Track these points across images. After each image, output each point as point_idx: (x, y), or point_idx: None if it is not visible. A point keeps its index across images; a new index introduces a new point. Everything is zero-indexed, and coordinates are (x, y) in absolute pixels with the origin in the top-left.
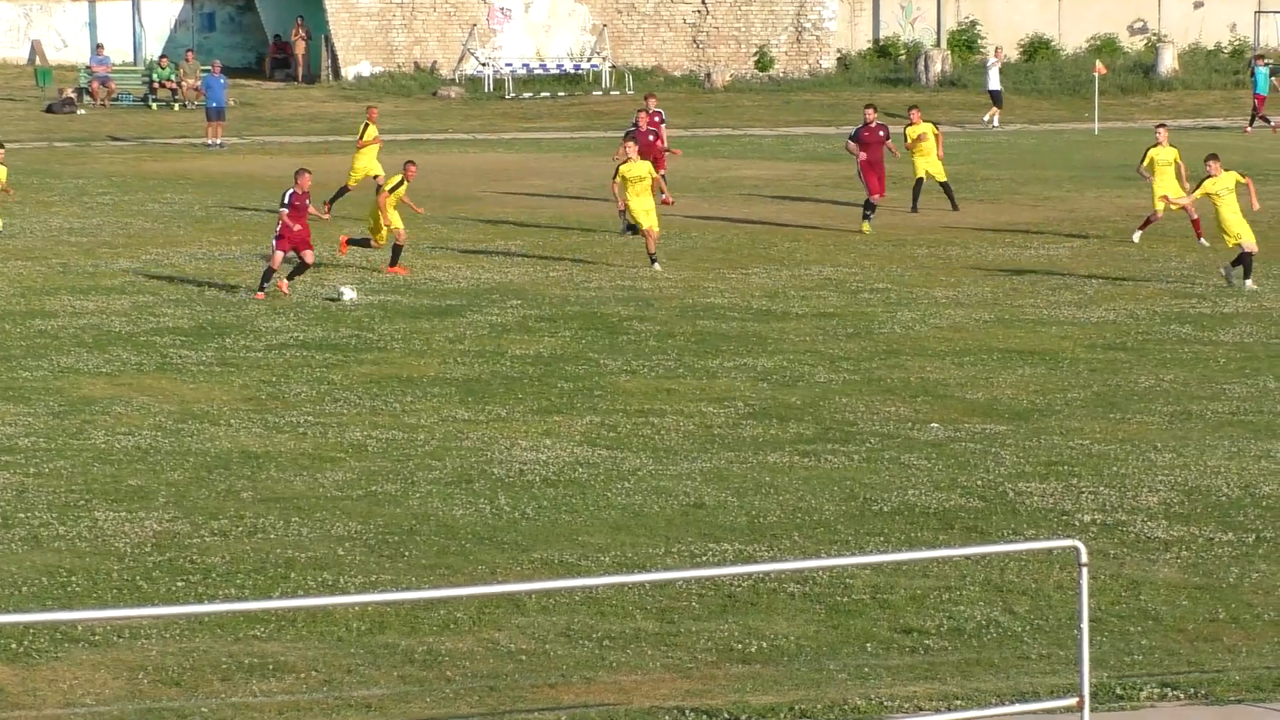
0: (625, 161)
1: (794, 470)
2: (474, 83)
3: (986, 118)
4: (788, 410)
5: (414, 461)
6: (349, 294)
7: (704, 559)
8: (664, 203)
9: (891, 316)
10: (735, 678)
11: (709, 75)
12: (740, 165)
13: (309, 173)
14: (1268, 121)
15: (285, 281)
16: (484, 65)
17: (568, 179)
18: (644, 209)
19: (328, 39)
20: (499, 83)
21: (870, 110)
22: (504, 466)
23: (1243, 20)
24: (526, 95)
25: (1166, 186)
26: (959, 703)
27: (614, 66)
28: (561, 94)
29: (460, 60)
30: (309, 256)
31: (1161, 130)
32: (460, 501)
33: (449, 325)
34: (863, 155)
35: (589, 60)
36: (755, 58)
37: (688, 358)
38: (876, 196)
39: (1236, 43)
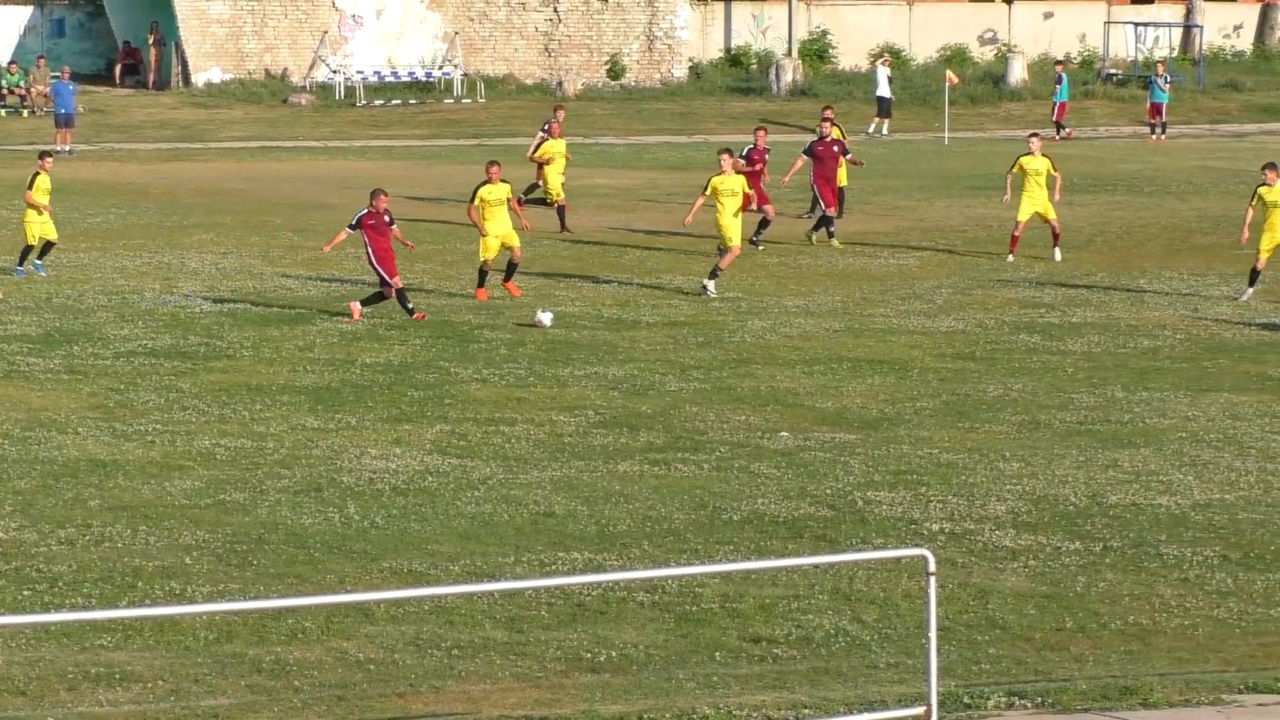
0: (719, 174)
1: (644, 479)
2: (325, 90)
3: (872, 129)
4: (638, 419)
5: (263, 470)
6: (546, 317)
7: (553, 568)
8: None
9: (742, 325)
10: (584, 687)
11: (561, 84)
12: (592, 174)
13: (386, 194)
14: (1060, 128)
15: (357, 305)
16: (335, 73)
17: (419, 186)
18: (734, 226)
19: (178, 45)
20: (350, 90)
21: (826, 123)
22: (353, 475)
23: (1092, 31)
24: (378, 103)
25: (1034, 198)
26: (807, 711)
27: (466, 74)
28: (413, 101)
29: (311, 67)
30: (395, 282)
31: (1035, 139)
32: (309, 510)
33: (299, 333)
34: (795, 168)
35: (441, 68)
36: (607, 66)
37: (538, 366)
38: (831, 210)
39: (1086, 53)
